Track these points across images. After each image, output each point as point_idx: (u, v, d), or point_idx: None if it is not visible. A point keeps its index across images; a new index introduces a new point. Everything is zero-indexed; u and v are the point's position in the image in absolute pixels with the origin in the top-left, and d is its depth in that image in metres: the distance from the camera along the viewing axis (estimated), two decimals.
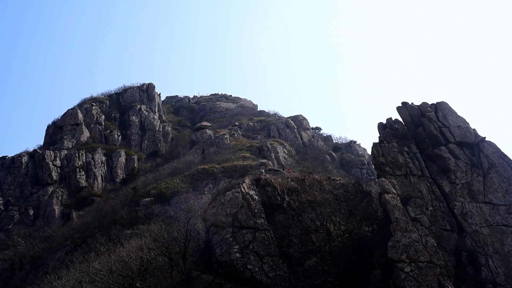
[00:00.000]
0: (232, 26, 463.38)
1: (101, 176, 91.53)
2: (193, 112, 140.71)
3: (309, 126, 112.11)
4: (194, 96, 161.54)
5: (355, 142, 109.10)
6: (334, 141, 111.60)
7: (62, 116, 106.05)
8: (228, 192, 33.79)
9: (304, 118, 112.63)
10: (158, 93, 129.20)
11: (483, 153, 36.18)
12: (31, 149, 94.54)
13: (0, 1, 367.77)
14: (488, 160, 35.64)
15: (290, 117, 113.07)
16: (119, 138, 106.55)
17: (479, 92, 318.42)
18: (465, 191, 34.29)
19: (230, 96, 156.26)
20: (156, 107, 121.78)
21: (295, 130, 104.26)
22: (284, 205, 35.79)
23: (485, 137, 37.27)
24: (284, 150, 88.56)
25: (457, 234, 31.96)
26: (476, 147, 36.93)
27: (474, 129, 38.04)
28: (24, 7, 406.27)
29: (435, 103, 40.01)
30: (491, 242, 31.38)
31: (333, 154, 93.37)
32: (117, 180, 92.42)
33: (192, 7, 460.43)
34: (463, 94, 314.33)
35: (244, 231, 31.27)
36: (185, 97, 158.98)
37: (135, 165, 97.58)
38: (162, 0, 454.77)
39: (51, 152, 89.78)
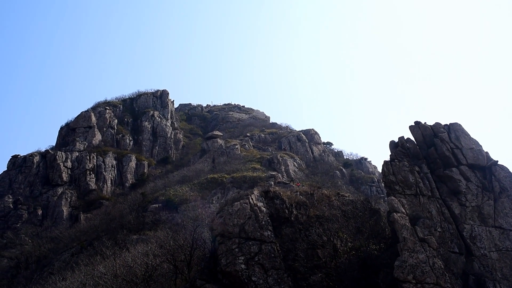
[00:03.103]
0: (247, 37, 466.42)
1: (111, 179, 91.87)
2: (205, 121, 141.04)
3: (321, 140, 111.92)
4: (207, 104, 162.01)
5: (366, 159, 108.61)
6: (345, 157, 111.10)
7: (75, 118, 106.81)
8: (236, 203, 33.79)
9: (316, 133, 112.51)
10: (172, 100, 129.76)
11: (495, 176, 35.95)
12: (43, 149, 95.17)
13: (21, 1, 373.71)
14: (499, 184, 35.40)
15: (301, 130, 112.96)
16: (131, 143, 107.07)
17: (500, 113, 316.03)
18: (475, 214, 34.04)
19: (243, 106, 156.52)
20: (169, 114, 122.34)
21: (306, 144, 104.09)
22: (292, 218, 35.69)
23: (497, 161, 37.10)
24: (295, 163, 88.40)
25: (465, 257, 31.70)
26: (488, 171, 36.72)
27: (486, 152, 37.85)
28: (41, 8, 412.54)
29: (448, 124, 39.95)
30: (499, 267, 31.06)
31: (343, 170, 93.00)
32: (127, 184, 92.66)
33: (209, 17, 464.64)
34: (481, 115, 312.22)
35: (250, 243, 31.20)
36: (198, 105, 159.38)
37: (145, 171, 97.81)
38: (179, 10, 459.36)
39: (62, 153, 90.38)
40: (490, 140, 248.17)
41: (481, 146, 38.25)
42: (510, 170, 36.60)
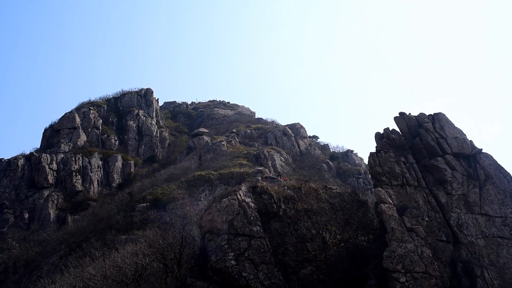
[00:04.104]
0: (231, 33, 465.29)
1: (97, 180, 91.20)
2: (190, 118, 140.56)
3: (307, 134, 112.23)
4: (192, 102, 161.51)
5: (352, 151, 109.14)
6: (331, 150, 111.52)
7: (59, 119, 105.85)
8: (224, 199, 33.78)
9: (302, 127, 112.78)
10: (156, 99, 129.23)
11: (480, 164, 36.28)
12: (27, 152, 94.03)
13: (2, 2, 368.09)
14: (484, 171, 35.74)
15: (287, 125, 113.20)
16: (116, 143, 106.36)
17: (480, 103, 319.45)
18: (461, 202, 34.35)
19: (228, 103, 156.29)
20: (154, 113, 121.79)
21: (293, 138, 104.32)
22: (280, 213, 35.77)
23: (481, 149, 37.43)
24: (281, 158, 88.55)
25: (453, 245, 31.98)
26: (472, 159, 37.04)
27: (471, 141, 38.17)
28: (23, 9, 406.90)
29: (432, 114, 40.16)
30: (486, 254, 31.41)
31: (330, 163, 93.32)
32: (113, 184, 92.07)
33: (192, 14, 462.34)
34: (462, 105, 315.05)
35: (239, 239, 31.22)
36: (183, 103, 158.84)
37: (131, 170, 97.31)
38: (163, 7, 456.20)
39: (47, 155, 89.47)
40: (475, 130, 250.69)
41: (465, 135, 38.55)
42: (494, 158, 36.95)
